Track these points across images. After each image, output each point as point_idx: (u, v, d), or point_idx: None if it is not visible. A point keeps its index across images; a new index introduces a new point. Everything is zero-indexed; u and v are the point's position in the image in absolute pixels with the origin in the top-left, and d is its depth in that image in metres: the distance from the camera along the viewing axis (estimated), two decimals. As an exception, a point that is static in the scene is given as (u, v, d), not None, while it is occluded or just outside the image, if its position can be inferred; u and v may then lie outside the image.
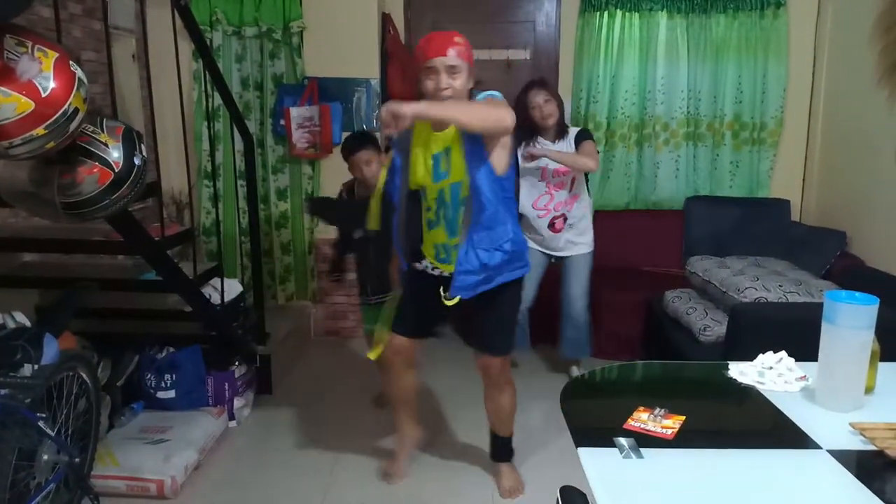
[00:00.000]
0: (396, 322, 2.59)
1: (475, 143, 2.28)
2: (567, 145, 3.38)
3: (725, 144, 4.36)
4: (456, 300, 2.39)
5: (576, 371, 3.76)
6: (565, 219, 3.43)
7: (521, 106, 3.31)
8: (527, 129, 3.34)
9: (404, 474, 2.78)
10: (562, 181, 3.39)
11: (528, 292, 3.44)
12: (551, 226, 3.44)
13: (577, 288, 3.53)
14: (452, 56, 2.22)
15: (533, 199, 3.42)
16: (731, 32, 4.22)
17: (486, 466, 2.85)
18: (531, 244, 3.33)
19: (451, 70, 2.22)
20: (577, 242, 3.50)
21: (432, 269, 2.52)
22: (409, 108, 2.01)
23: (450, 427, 3.24)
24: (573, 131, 3.42)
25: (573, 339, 3.63)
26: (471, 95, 2.33)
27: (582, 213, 3.49)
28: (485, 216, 2.31)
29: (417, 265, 2.54)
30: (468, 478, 2.80)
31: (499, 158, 2.31)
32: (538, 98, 3.31)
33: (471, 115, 2.14)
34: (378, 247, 2.97)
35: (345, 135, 4.16)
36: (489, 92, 2.29)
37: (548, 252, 3.54)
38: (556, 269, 3.61)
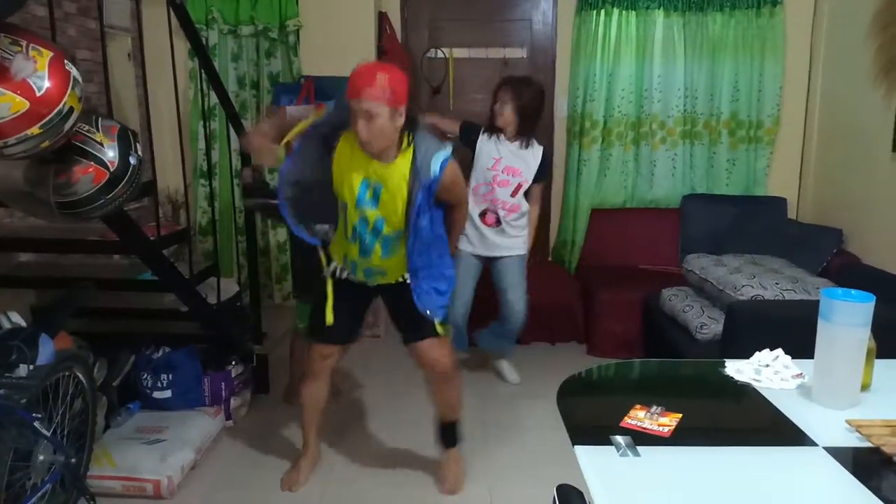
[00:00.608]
0: (317, 330, 2.58)
1: (429, 199, 2.29)
2: (529, 155, 3.30)
3: (722, 142, 4.36)
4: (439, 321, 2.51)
5: (505, 365, 3.70)
6: (497, 220, 3.33)
7: (493, 98, 3.31)
8: (491, 125, 3.31)
9: (304, 483, 2.73)
10: (508, 181, 3.28)
11: (464, 297, 3.39)
12: (482, 214, 3.34)
13: (512, 293, 3.41)
14: (365, 100, 2.11)
15: (476, 182, 3.32)
16: (728, 31, 4.23)
17: (482, 464, 2.86)
18: (462, 246, 3.30)
19: (367, 115, 2.12)
20: (508, 245, 3.37)
21: (341, 270, 2.53)
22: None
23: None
24: (538, 150, 3.32)
25: (498, 337, 3.56)
26: (414, 136, 2.26)
27: (518, 223, 3.37)
28: (428, 254, 2.40)
29: (326, 268, 2.53)
30: (466, 474, 2.81)
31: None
32: (504, 96, 3.25)
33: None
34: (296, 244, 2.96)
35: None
36: (444, 154, 2.27)
37: (479, 255, 3.41)
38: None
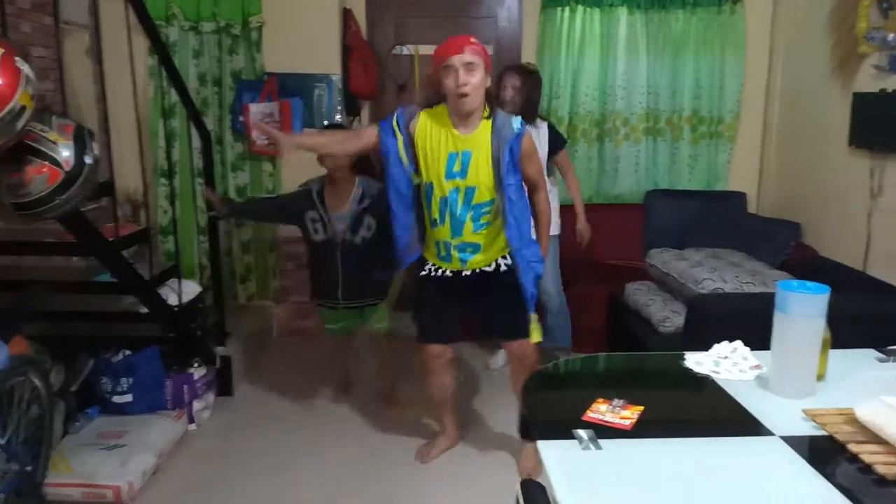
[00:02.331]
0: (427, 332, 2.72)
1: (514, 160, 2.43)
2: (536, 134, 3.34)
3: (684, 139, 4.42)
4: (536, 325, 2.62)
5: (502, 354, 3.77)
6: None
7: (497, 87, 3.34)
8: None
9: (434, 458, 2.89)
10: None
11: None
12: None
13: (549, 281, 3.50)
14: (468, 53, 2.33)
15: None
16: (690, 28, 4.28)
17: (450, 463, 2.86)
18: None
19: (469, 67, 2.32)
20: None
21: (435, 269, 2.62)
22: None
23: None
24: (543, 126, 3.44)
25: (557, 328, 3.65)
26: (492, 110, 2.45)
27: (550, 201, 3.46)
28: (517, 223, 2.49)
29: (422, 272, 2.64)
30: (432, 473, 2.80)
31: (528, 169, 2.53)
32: (508, 82, 3.35)
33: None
34: (363, 252, 3.05)
35: (307, 131, 4.16)
36: (519, 119, 2.46)
37: None
38: None
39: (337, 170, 3.03)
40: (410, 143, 2.49)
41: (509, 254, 2.56)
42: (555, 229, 3.51)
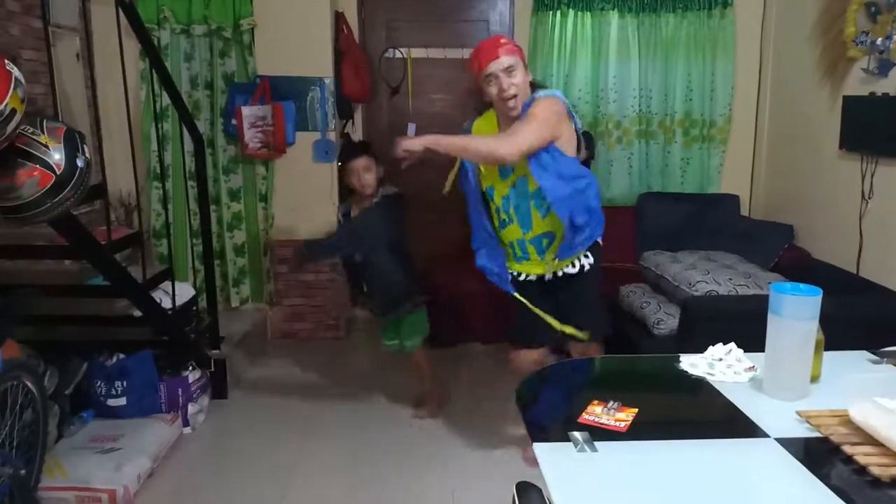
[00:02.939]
0: (523, 337, 2.70)
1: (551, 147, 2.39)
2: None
3: (676, 142, 4.44)
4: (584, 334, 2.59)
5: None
6: None
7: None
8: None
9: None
10: None
11: None
12: None
13: None
14: (504, 57, 2.33)
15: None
16: (681, 32, 4.30)
17: (444, 465, 2.86)
18: None
19: (509, 70, 2.34)
20: None
21: (518, 274, 2.62)
22: (419, 141, 2.29)
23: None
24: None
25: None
26: (533, 89, 2.43)
27: None
28: (560, 189, 2.41)
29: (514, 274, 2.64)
30: (426, 474, 2.80)
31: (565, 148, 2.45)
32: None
33: (469, 151, 2.41)
34: (380, 266, 3.06)
35: (300, 134, 4.17)
36: (548, 91, 2.43)
37: None
38: None
39: (364, 188, 3.07)
40: None
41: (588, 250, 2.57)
42: None
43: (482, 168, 2.52)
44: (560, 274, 2.61)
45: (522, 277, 2.64)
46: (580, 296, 2.63)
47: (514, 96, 2.35)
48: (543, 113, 2.36)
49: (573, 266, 2.60)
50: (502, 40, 2.37)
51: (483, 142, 2.43)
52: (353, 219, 3.14)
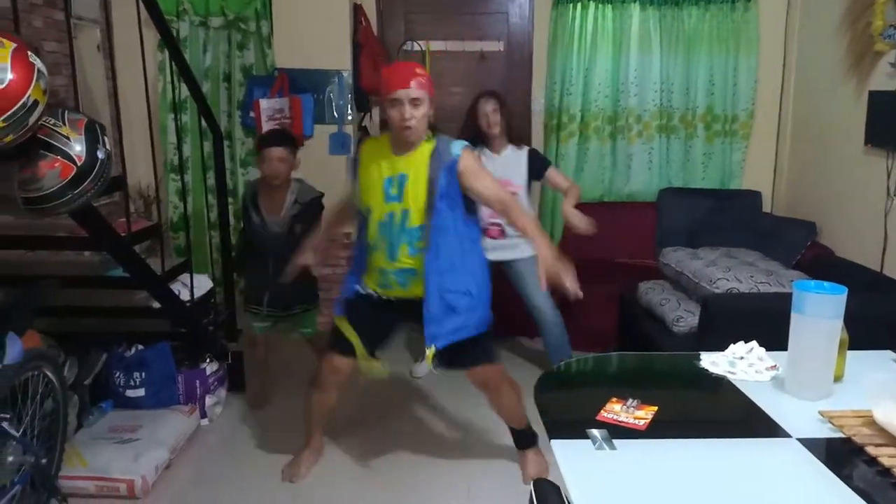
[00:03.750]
0: (333, 342, 2.61)
1: (451, 185, 2.38)
2: (516, 158, 3.35)
3: (698, 136, 4.39)
4: (431, 352, 2.42)
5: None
6: (502, 231, 3.33)
7: (471, 114, 3.35)
8: (474, 138, 3.27)
9: (305, 476, 2.77)
10: None
11: None
12: (484, 231, 3.21)
13: (535, 297, 3.40)
14: (415, 88, 2.32)
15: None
16: (703, 25, 4.25)
17: (461, 462, 2.85)
18: None
19: (415, 102, 2.33)
20: (519, 245, 3.33)
21: (374, 294, 2.57)
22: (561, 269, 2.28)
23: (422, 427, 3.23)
24: (524, 149, 3.39)
25: (555, 346, 3.53)
26: (434, 131, 2.44)
27: None
28: (437, 249, 2.39)
29: (360, 289, 2.59)
30: (443, 471, 2.80)
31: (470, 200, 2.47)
32: (487, 107, 3.29)
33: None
34: (282, 260, 2.96)
35: (317, 127, 4.17)
36: (461, 142, 2.44)
37: (493, 259, 3.27)
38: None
39: (274, 178, 3.07)
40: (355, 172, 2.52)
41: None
42: (531, 250, 3.42)
43: (367, 185, 2.46)
44: (417, 298, 2.47)
45: (376, 294, 2.57)
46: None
47: (412, 128, 2.34)
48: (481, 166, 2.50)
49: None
50: (418, 70, 2.37)
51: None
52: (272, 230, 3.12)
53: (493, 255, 3.30)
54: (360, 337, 2.54)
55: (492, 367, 2.61)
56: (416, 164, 2.40)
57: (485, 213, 3.26)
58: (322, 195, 3.24)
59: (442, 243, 2.40)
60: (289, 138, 3.19)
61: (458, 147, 2.41)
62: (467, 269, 2.48)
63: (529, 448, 2.77)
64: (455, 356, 2.48)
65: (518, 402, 2.70)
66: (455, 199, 2.41)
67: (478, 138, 3.33)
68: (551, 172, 3.41)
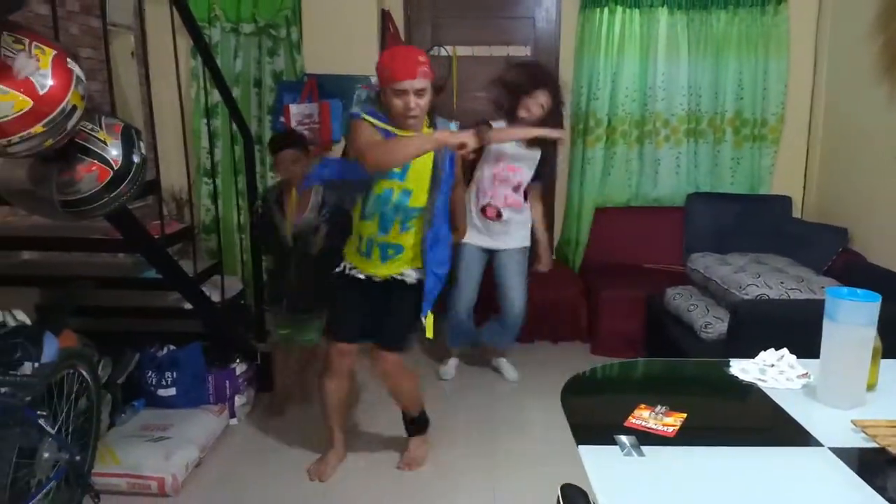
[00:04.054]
0: (334, 329, 2.73)
1: (451, 167, 2.50)
2: (530, 156, 3.35)
3: (726, 141, 4.35)
4: (430, 319, 2.61)
5: (504, 363, 3.74)
6: (498, 213, 3.36)
7: (516, 93, 3.26)
8: (504, 110, 3.32)
9: (331, 474, 2.81)
10: (508, 178, 3.34)
11: (469, 289, 3.46)
12: (482, 209, 3.38)
13: (512, 287, 3.43)
14: (420, 79, 2.35)
15: (481, 176, 3.37)
16: (732, 28, 4.21)
17: (487, 466, 2.86)
18: (467, 239, 3.22)
19: (420, 92, 2.36)
20: (511, 234, 3.42)
21: (350, 268, 2.65)
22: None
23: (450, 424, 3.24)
24: (537, 152, 3.38)
25: (500, 332, 3.58)
26: (431, 114, 2.50)
27: (519, 218, 3.43)
28: (434, 234, 2.53)
29: (337, 268, 2.68)
30: (469, 475, 2.80)
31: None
32: (542, 98, 3.23)
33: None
34: (305, 261, 3.03)
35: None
36: (455, 124, 2.55)
37: (483, 247, 3.45)
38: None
39: (291, 180, 3.07)
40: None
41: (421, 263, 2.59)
42: (524, 241, 3.48)
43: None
44: (389, 278, 2.61)
45: (352, 273, 2.65)
46: (393, 304, 2.63)
47: (417, 117, 2.40)
48: None
49: (399, 274, 2.61)
50: (421, 59, 2.36)
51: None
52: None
53: (481, 242, 3.43)
54: (348, 315, 2.67)
55: (400, 356, 2.70)
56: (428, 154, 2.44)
57: (482, 192, 3.34)
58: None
59: (436, 222, 2.52)
60: (297, 138, 3.20)
61: (455, 127, 2.53)
62: (444, 243, 2.60)
63: (418, 435, 2.91)
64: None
65: (417, 388, 2.87)
66: (450, 180, 2.53)
67: (507, 113, 3.31)
68: (533, 187, 3.47)
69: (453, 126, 2.54)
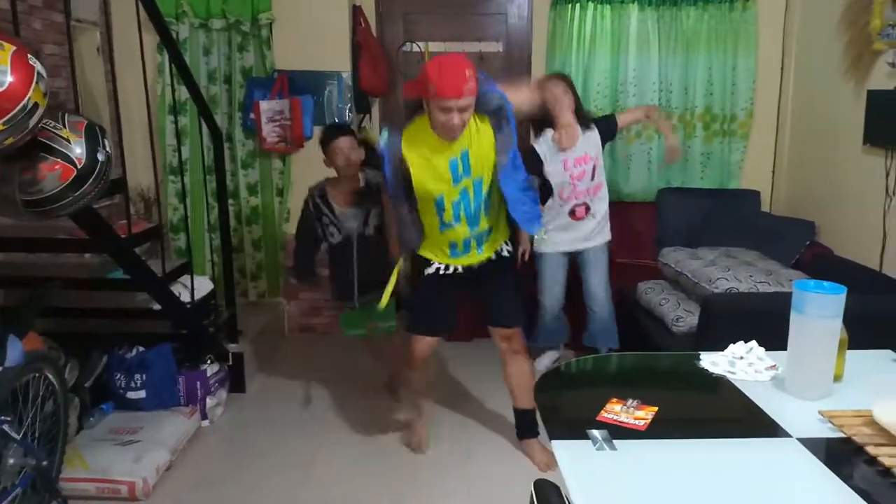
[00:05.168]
0: (419, 324, 2.82)
1: (506, 160, 2.51)
2: (588, 136, 3.38)
3: (696, 136, 4.39)
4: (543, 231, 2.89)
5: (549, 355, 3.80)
6: (587, 208, 3.43)
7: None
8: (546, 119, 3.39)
9: (427, 444, 2.97)
10: (583, 170, 3.39)
11: (555, 292, 3.55)
12: (571, 213, 3.42)
13: (597, 283, 3.51)
14: (467, 98, 2.34)
15: (558, 188, 3.40)
16: (702, 25, 4.25)
17: (461, 459, 2.86)
18: (547, 249, 3.43)
19: (463, 108, 2.36)
20: (595, 231, 3.48)
21: (445, 268, 2.71)
22: None
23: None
24: (593, 127, 3.43)
25: (600, 333, 3.61)
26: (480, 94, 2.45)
27: (605, 204, 3.50)
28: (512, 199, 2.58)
29: (428, 269, 2.72)
30: (443, 470, 2.80)
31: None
32: (557, 89, 3.32)
33: None
34: (378, 241, 3.05)
35: (317, 129, 4.15)
36: (498, 91, 2.50)
37: (566, 250, 3.50)
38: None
39: (349, 168, 3.03)
40: (398, 167, 2.54)
41: (510, 237, 2.74)
42: (607, 234, 3.54)
43: (429, 180, 2.52)
44: (484, 260, 2.72)
45: (450, 270, 2.72)
46: (497, 282, 2.75)
47: (459, 130, 2.42)
48: None
49: (494, 255, 2.73)
50: (468, 73, 2.33)
51: None
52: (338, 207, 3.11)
53: (564, 247, 3.50)
54: (432, 313, 2.79)
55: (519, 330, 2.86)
56: (471, 134, 2.47)
57: (568, 197, 3.41)
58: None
59: (507, 203, 2.57)
60: (349, 127, 3.20)
61: (500, 92, 2.49)
62: (526, 189, 2.65)
63: (533, 437, 2.91)
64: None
65: (533, 377, 2.85)
66: (509, 167, 2.54)
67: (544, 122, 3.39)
68: (619, 119, 3.57)
69: (498, 90, 2.50)
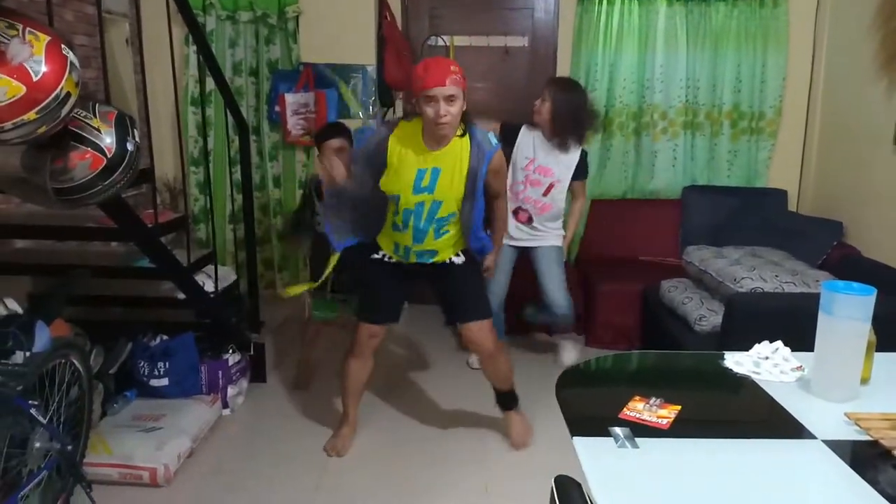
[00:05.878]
0: (367, 311, 2.79)
1: (478, 185, 2.54)
2: (564, 157, 3.34)
3: (723, 134, 4.34)
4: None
5: (567, 344, 3.78)
6: (530, 219, 3.41)
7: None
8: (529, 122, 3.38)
9: (349, 449, 2.90)
10: (539, 181, 3.35)
11: (499, 286, 3.48)
12: (515, 213, 3.40)
13: (549, 283, 3.44)
14: (450, 86, 2.36)
15: (513, 181, 3.37)
16: (731, 21, 4.20)
17: (479, 455, 2.86)
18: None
19: (449, 99, 2.37)
20: (541, 236, 3.45)
21: (388, 258, 2.73)
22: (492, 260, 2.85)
23: (443, 413, 3.24)
24: (576, 152, 3.37)
25: (552, 319, 3.65)
26: (466, 123, 2.50)
27: (551, 223, 3.45)
28: (476, 230, 2.66)
29: (375, 255, 2.73)
30: (461, 466, 2.81)
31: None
32: (545, 94, 3.30)
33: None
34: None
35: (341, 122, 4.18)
36: (488, 135, 2.56)
37: (513, 245, 3.47)
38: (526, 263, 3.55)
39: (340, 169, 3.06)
40: (376, 159, 2.55)
41: (461, 250, 2.72)
42: (557, 240, 3.50)
43: (396, 178, 2.53)
44: (430, 262, 2.71)
45: (392, 260, 2.73)
46: (458, 280, 2.74)
47: (447, 123, 2.41)
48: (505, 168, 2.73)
49: (452, 261, 2.72)
50: (453, 68, 2.39)
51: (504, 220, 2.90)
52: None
53: (518, 243, 3.46)
54: (378, 301, 2.77)
55: (487, 326, 2.80)
56: (451, 158, 2.49)
57: (515, 195, 3.37)
58: None
59: (476, 224, 2.63)
60: (344, 129, 3.22)
61: (494, 140, 2.56)
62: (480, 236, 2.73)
63: (514, 410, 2.97)
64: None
65: (508, 364, 2.90)
66: (482, 187, 2.58)
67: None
68: (583, 184, 3.53)
69: (491, 136, 2.56)
